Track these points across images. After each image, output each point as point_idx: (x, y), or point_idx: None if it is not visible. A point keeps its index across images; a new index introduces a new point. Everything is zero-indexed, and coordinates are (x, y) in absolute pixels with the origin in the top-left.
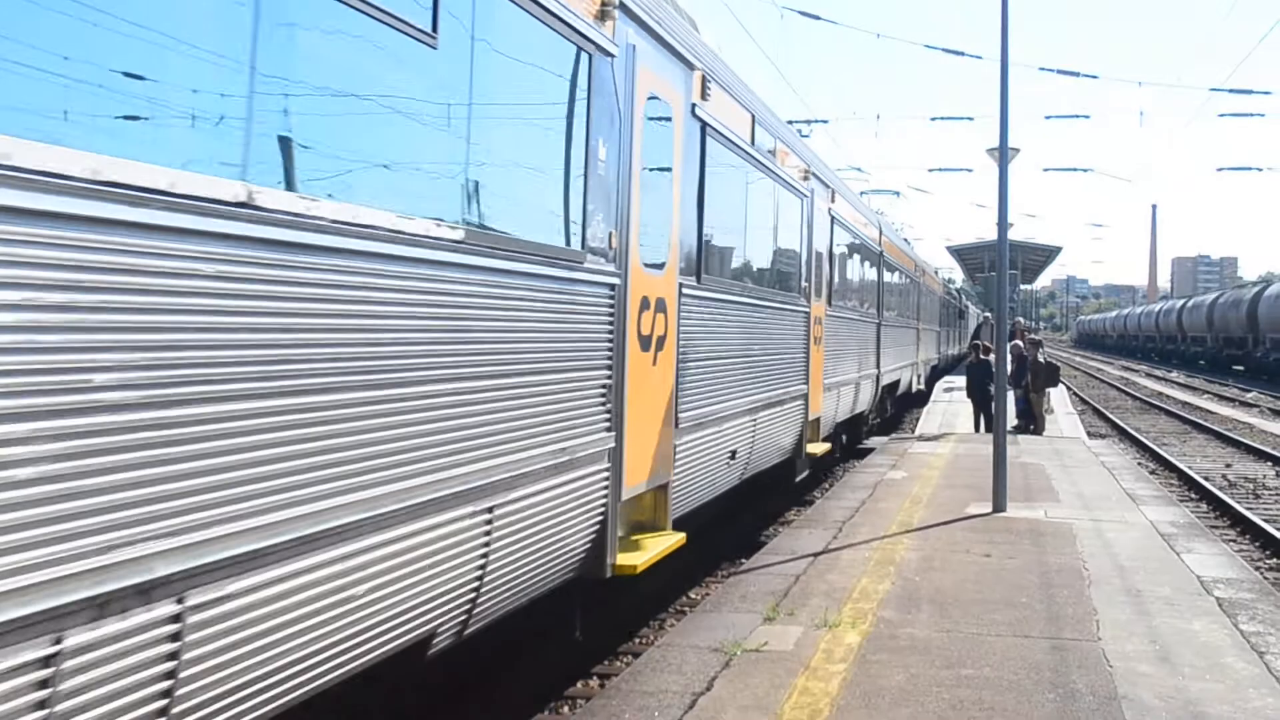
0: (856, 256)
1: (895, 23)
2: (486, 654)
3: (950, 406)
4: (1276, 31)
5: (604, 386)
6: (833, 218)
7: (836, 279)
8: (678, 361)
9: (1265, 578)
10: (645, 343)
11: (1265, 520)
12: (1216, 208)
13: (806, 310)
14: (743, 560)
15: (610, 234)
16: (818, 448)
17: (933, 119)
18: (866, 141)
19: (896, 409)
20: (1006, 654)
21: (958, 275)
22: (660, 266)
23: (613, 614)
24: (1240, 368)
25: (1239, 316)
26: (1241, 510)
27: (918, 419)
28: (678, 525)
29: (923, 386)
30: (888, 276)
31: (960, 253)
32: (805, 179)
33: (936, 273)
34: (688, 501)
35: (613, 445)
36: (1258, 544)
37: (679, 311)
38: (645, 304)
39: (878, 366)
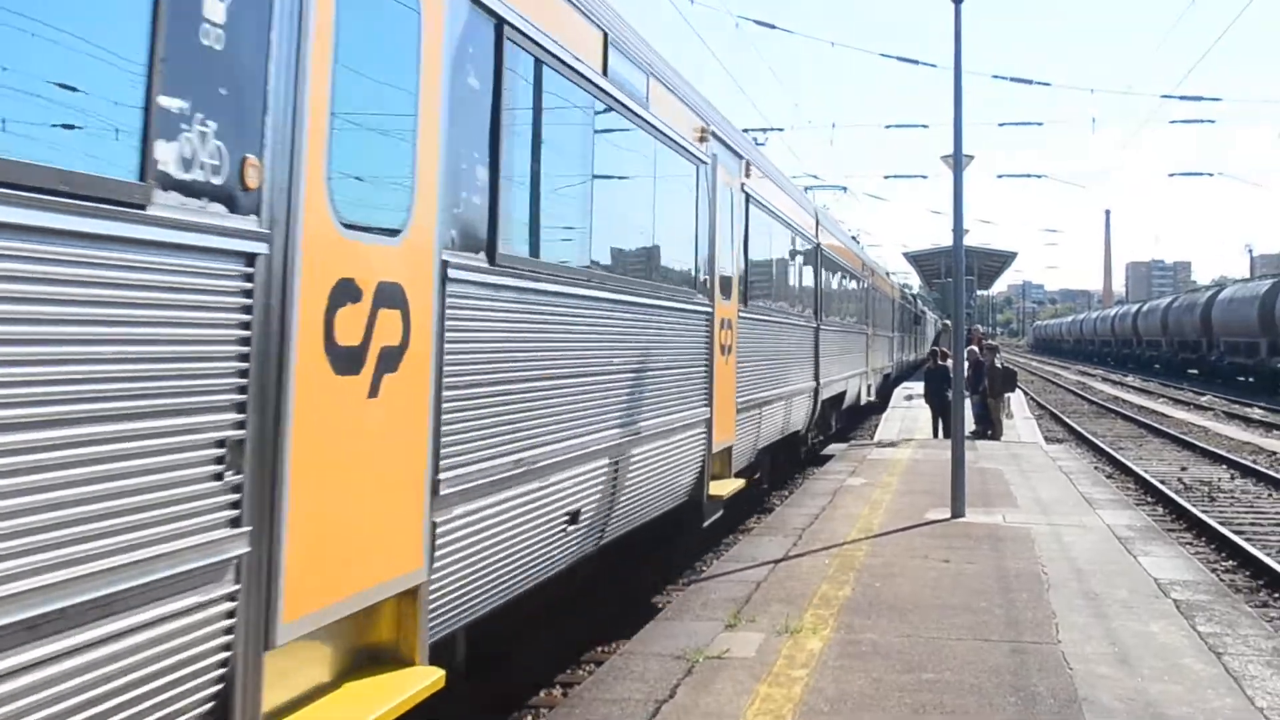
0: (785, 249)
1: (850, 32)
2: (453, 660)
3: (909, 412)
4: (1225, 39)
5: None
6: (748, 196)
7: (756, 275)
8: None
9: (1221, 579)
10: None
11: (1221, 523)
12: (1169, 213)
13: (708, 310)
14: (703, 568)
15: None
16: (725, 486)
17: (887, 126)
18: (822, 149)
19: (845, 422)
20: (967, 658)
21: (915, 281)
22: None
23: (578, 619)
24: (1195, 371)
25: (1193, 320)
26: (1197, 513)
27: (876, 425)
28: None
29: (873, 398)
30: (828, 275)
31: (917, 258)
32: (702, 140)
33: (889, 275)
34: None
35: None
36: (1213, 546)
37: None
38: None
39: (815, 378)
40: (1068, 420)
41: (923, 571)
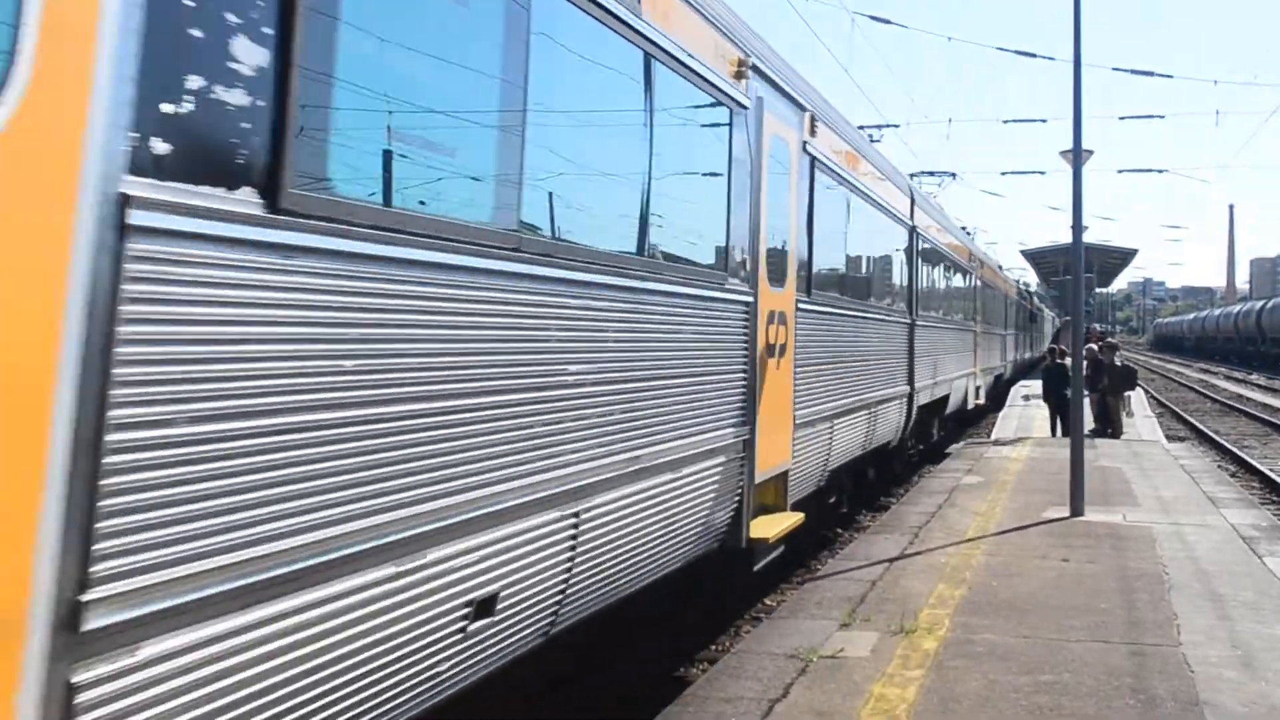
0: (868, 229)
1: (966, 26)
2: (570, 664)
3: (1026, 410)
4: None
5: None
6: (814, 159)
7: (824, 258)
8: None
9: None
10: None
11: None
12: None
13: (746, 299)
14: (817, 566)
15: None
16: (774, 524)
17: (1005, 121)
18: (938, 143)
19: (951, 428)
20: (1086, 659)
21: (1033, 278)
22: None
23: (689, 618)
24: None
25: None
26: None
27: (993, 424)
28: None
29: (982, 400)
30: (927, 264)
31: (1035, 256)
32: (739, 77)
33: (1001, 269)
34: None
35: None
36: None
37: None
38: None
39: (910, 382)
40: (1189, 418)
41: (1041, 571)
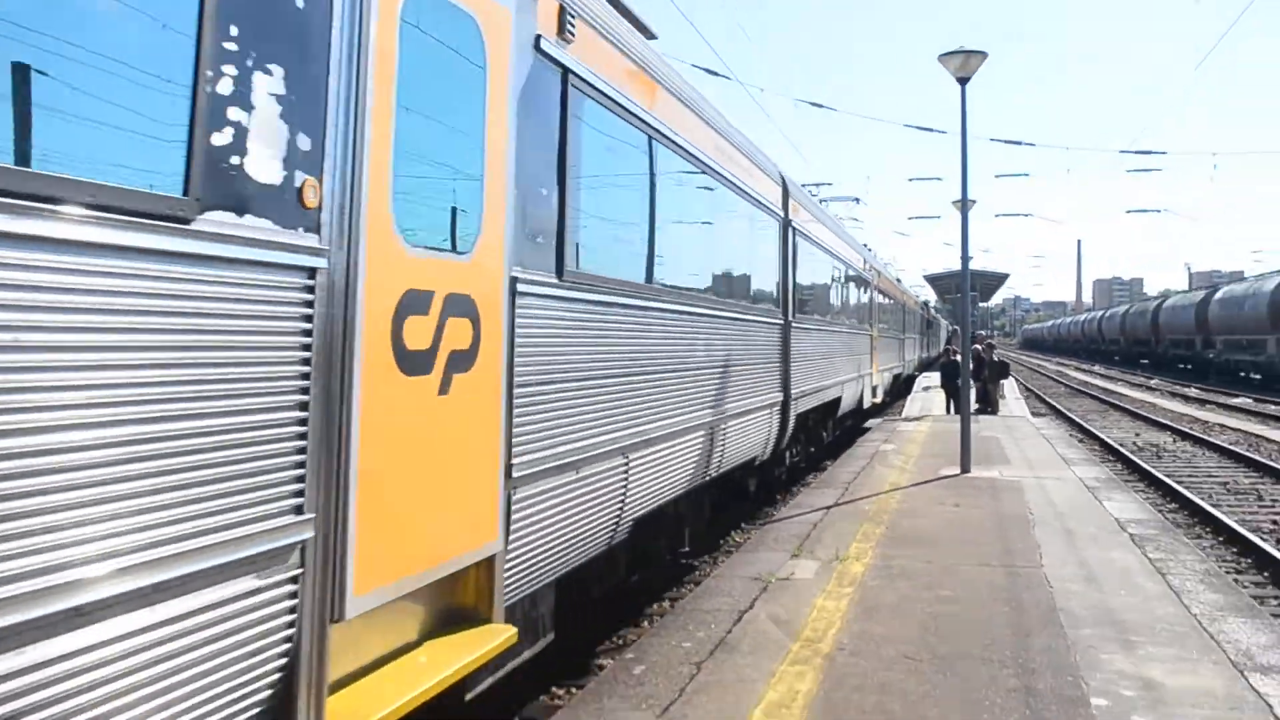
0: (696, 199)
1: (882, 106)
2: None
3: (927, 395)
4: (1170, 106)
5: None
6: (549, 62)
7: (602, 226)
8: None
9: (1166, 518)
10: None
11: (1166, 475)
12: (1126, 240)
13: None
14: (773, 512)
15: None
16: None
17: (910, 179)
18: (861, 196)
19: (843, 432)
20: (972, 578)
21: (932, 295)
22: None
23: (678, 554)
24: (1146, 361)
25: (1144, 323)
26: (1148, 468)
27: (903, 405)
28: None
29: (879, 399)
30: (808, 264)
31: (933, 279)
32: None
33: (900, 281)
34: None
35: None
36: (1160, 493)
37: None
38: None
39: (784, 388)
40: (1049, 399)
41: (940, 514)
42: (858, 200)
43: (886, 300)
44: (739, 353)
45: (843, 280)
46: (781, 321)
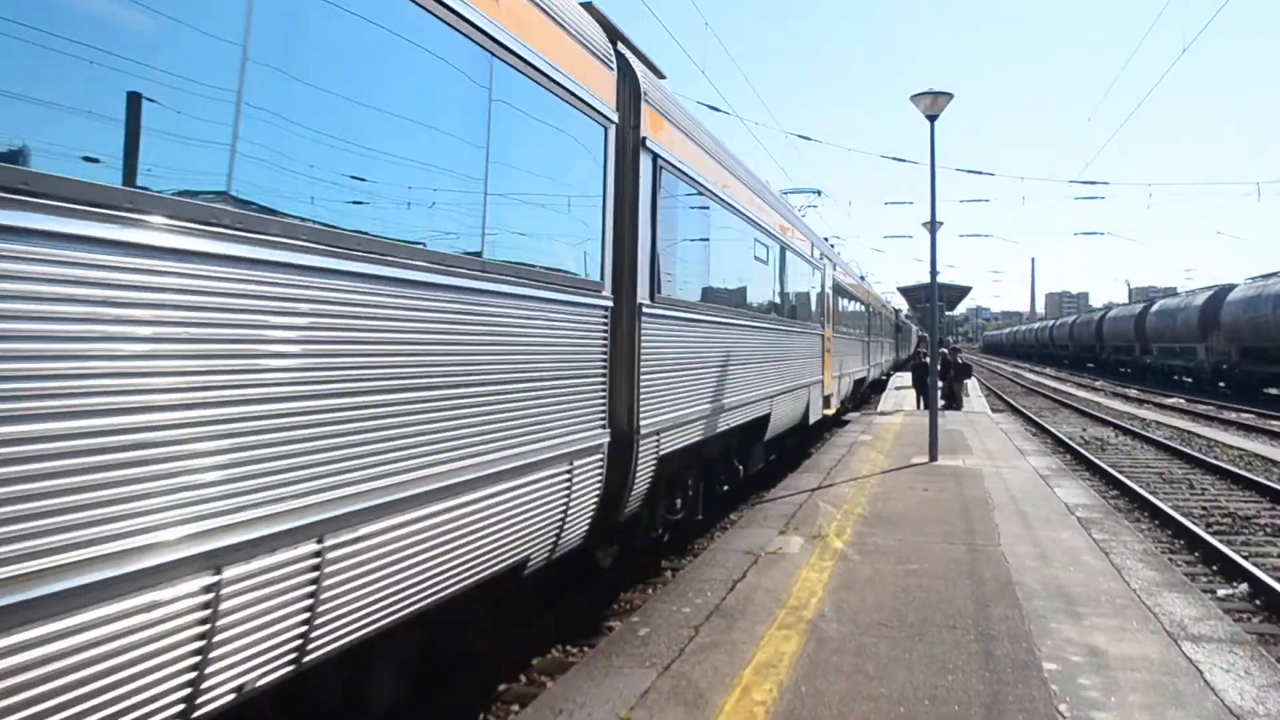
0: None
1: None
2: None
3: (899, 393)
4: (1113, 142)
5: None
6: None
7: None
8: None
9: (1109, 504)
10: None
11: (1109, 466)
12: (1074, 258)
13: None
14: (764, 493)
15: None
16: None
17: (886, 203)
18: (841, 218)
19: (800, 438)
20: (938, 555)
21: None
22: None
23: (678, 527)
24: (1091, 365)
25: (1090, 332)
26: (1093, 459)
27: (878, 401)
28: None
29: (831, 410)
30: (686, 218)
31: (906, 291)
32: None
33: (864, 280)
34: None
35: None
36: (1104, 481)
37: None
38: None
39: (630, 422)
40: (1006, 398)
41: (910, 497)
42: (819, 193)
43: (848, 300)
44: (479, 370)
45: (772, 260)
46: (600, 304)
